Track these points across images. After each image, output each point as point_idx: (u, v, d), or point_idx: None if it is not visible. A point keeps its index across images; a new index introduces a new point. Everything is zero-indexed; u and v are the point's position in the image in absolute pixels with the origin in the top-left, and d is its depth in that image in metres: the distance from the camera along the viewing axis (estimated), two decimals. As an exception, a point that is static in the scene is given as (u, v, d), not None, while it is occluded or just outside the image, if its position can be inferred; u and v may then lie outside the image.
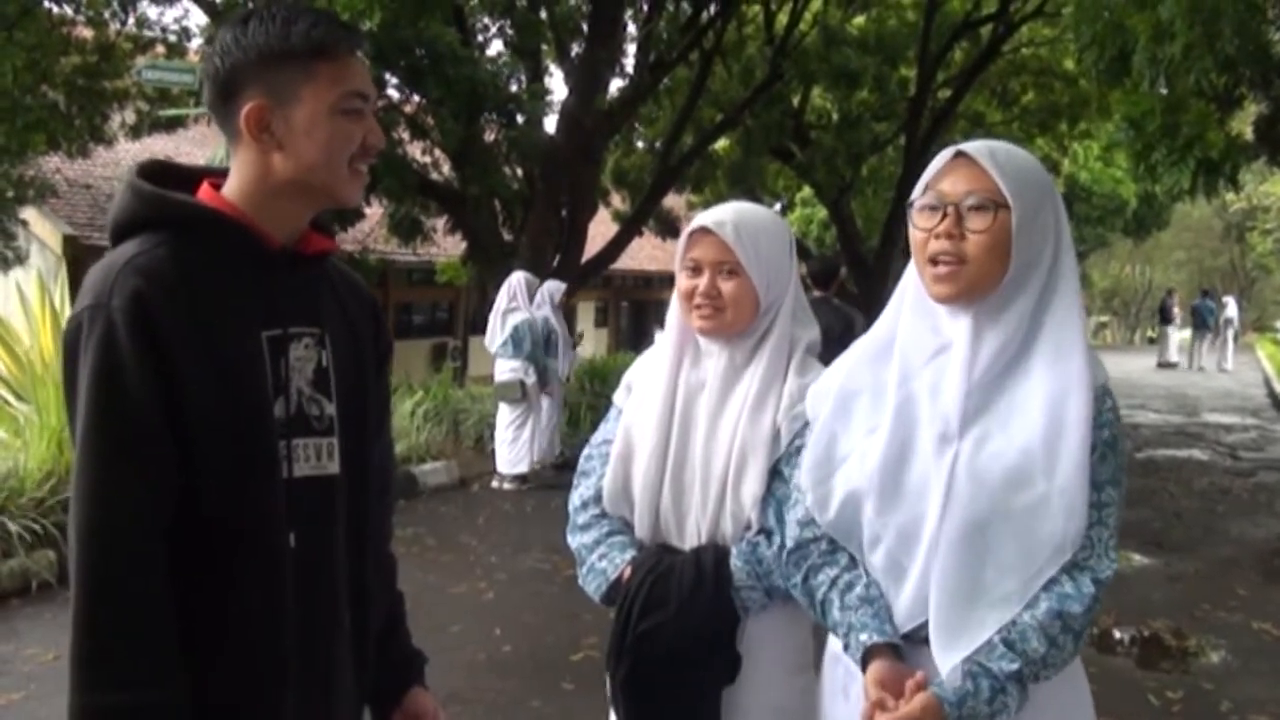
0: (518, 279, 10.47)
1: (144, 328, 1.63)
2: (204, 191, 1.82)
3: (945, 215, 2.00)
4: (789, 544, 2.18)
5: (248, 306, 1.76)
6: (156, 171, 1.82)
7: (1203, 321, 28.41)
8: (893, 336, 2.14)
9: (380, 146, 1.84)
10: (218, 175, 1.85)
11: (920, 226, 2.05)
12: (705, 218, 2.44)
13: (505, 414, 10.44)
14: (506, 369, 10.35)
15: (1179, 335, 29.55)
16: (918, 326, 2.11)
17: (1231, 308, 29.20)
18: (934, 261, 2.01)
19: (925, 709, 1.89)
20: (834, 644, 2.22)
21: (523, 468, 10.43)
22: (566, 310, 15.12)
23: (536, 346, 10.25)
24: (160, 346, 1.64)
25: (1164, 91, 8.01)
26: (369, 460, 1.94)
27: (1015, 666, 1.91)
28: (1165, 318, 29.28)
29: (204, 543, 1.70)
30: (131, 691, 1.61)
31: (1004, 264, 1.98)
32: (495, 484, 10.49)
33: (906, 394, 2.06)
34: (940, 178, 2.04)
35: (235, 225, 1.77)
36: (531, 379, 10.29)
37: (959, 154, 2.04)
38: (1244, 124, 10.39)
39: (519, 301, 10.33)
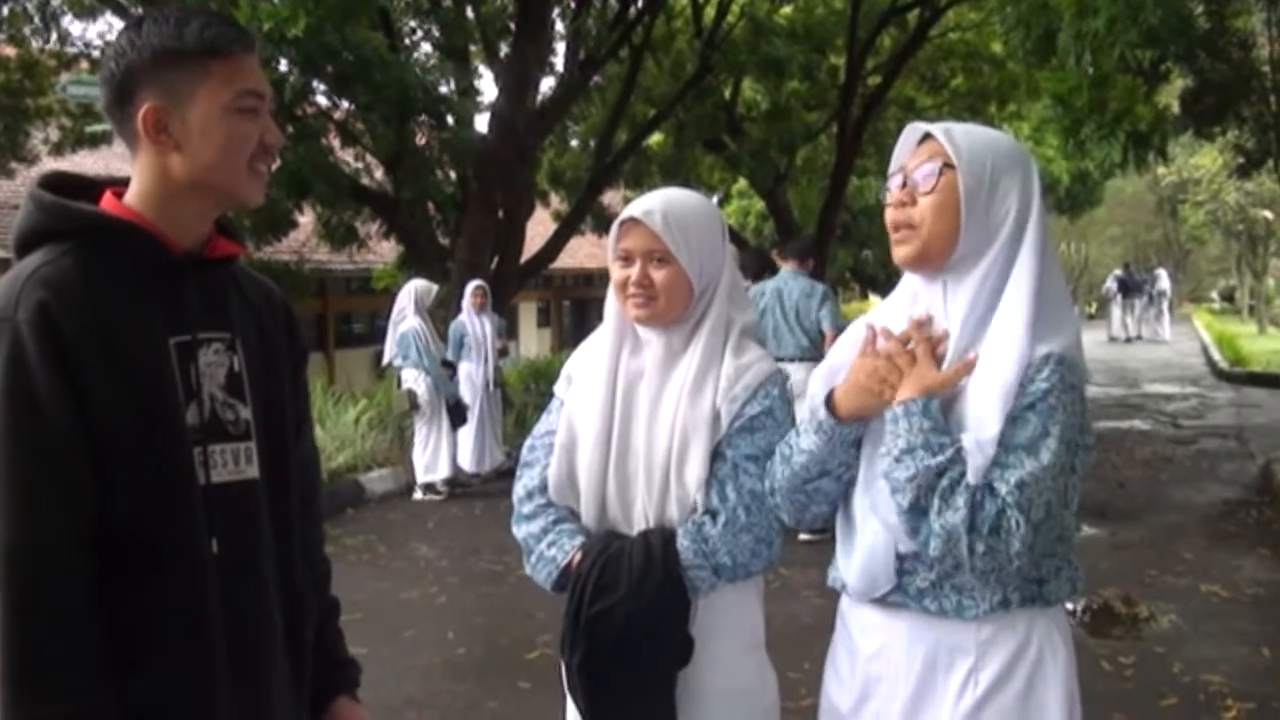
0: (408, 288, 10.45)
1: (51, 339, 1.62)
2: (106, 200, 1.80)
3: (904, 186, 2.06)
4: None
5: (153, 313, 1.74)
6: (59, 183, 1.81)
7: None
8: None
9: (279, 145, 1.83)
10: (120, 184, 1.84)
11: (887, 202, 2.10)
12: (634, 208, 2.45)
13: (416, 424, 10.37)
14: (408, 380, 10.27)
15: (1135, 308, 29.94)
16: (898, 298, 2.19)
17: (1164, 280, 29.67)
18: (896, 228, 2.07)
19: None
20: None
21: (433, 476, 10.27)
22: (508, 313, 15.07)
23: (423, 355, 10.10)
24: (68, 357, 1.63)
25: (1090, 69, 8.10)
26: (290, 464, 1.92)
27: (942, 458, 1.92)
28: (1126, 291, 29.59)
29: (124, 551, 1.68)
30: (61, 704, 1.59)
31: (955, 226, 2.01)
32: (416, 495, 10.32)
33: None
34: (906, 156, 2.11)
35: (138, 231, 1.76)
36: (420, 387, 10.15)
37: (926, 135, 2.09)
38: (1171, 97, 10.54)
39: (406, 311, 10.26)
